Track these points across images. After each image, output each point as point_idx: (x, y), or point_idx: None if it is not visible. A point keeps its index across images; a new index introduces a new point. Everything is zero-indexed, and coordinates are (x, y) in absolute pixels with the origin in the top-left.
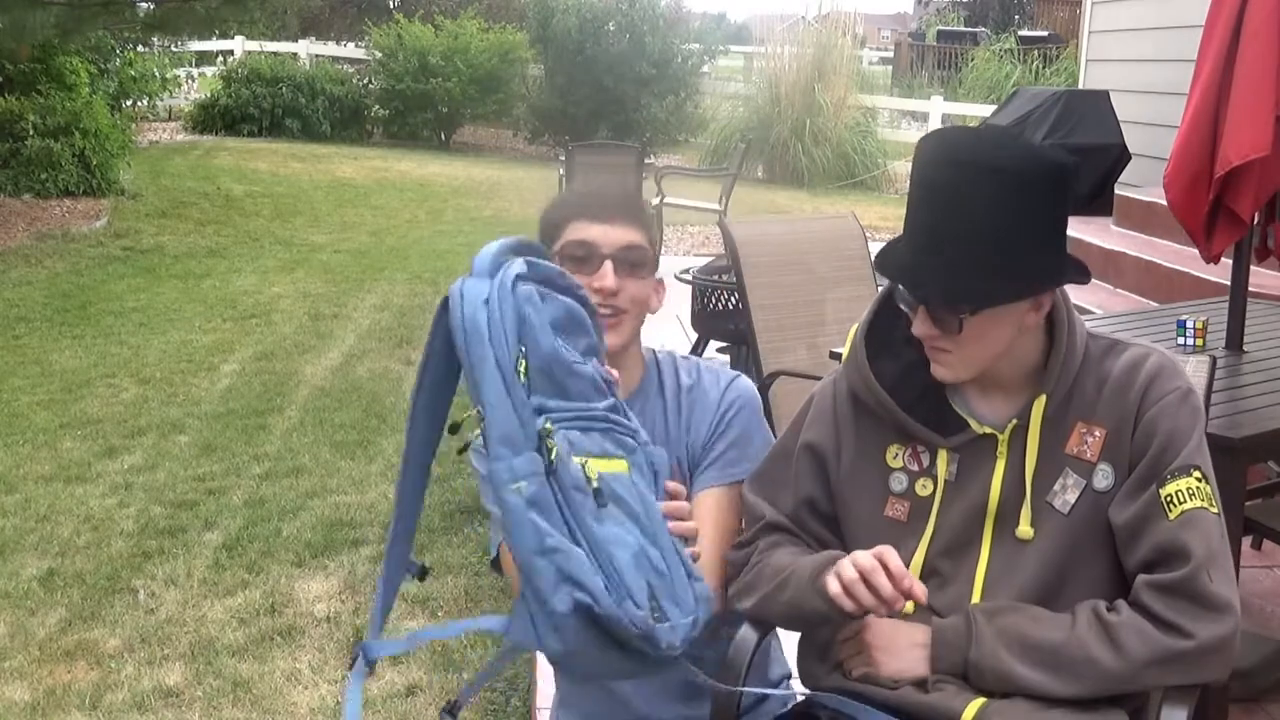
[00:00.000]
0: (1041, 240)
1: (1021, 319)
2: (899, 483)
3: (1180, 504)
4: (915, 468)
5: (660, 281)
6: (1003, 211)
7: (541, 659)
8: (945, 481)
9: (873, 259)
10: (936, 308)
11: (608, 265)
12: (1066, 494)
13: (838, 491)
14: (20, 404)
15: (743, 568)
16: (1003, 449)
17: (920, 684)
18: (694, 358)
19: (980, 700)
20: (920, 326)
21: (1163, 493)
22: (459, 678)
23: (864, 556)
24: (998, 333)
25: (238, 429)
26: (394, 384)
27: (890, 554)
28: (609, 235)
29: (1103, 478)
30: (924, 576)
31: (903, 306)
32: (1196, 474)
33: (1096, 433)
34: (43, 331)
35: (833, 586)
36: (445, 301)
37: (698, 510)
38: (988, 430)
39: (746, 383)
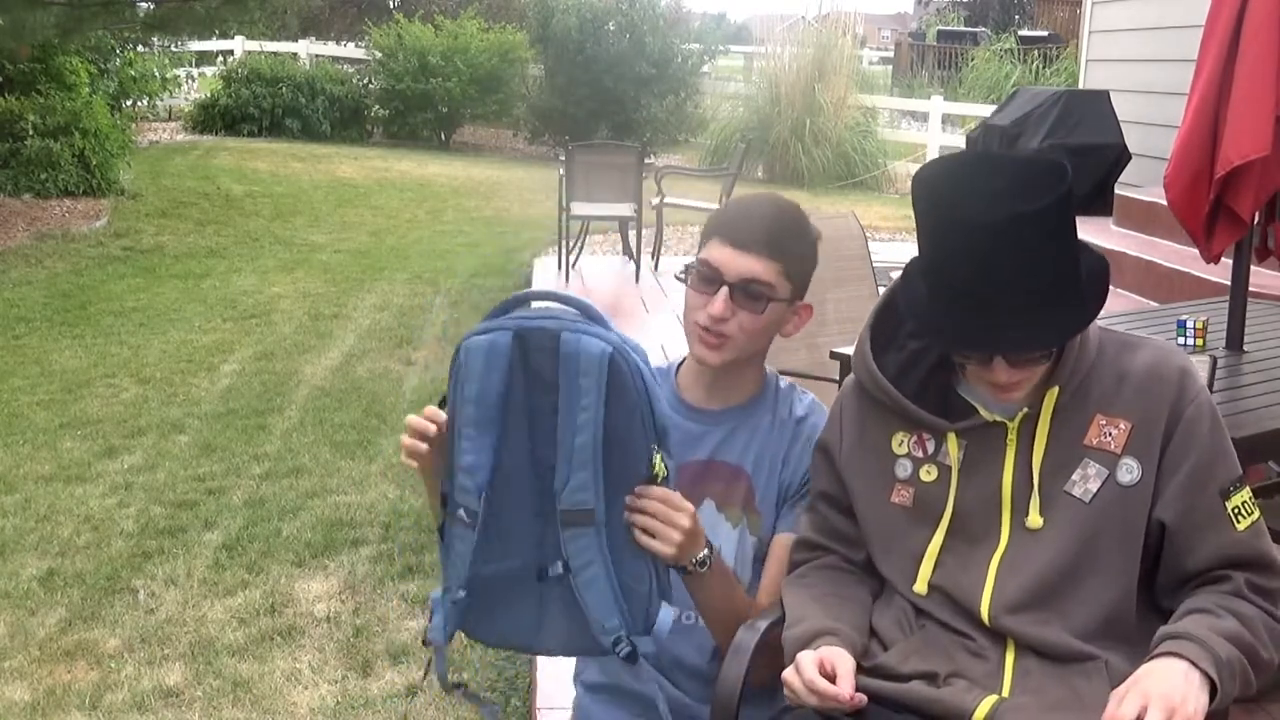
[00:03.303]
0: (1078, 249)
1: None
2: (904, 469)
3: (1249, 515)
4: (920, 454)
5: (807, 307)
6: (1040, 244)
7: (542, 659)
8: (956, 467)
9: (876, 263)
10: (1026, 354)
11: (723, 293)
12: (1088, 483)
13: (845, 480)
14: (20, 404)
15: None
16: (1012, 437)
17: (931, 679)
18: (811, 394)
19: (993, 697)
20: (1005, 375)
21: (1229, 505)
22: (459, 678)
23: (808, 663)
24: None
25: (238, 429)
26: (394, 384)
27: (838, 659)
28: (735, 263)
29: (1127, 472)
30: (939, 563)
31: (959, 360)
32: (1245, 484)
33: (1121, 425)
34: (43, 331)
35: (788, 679)
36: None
37: (775, 549)
38: (996, 418)
39: None
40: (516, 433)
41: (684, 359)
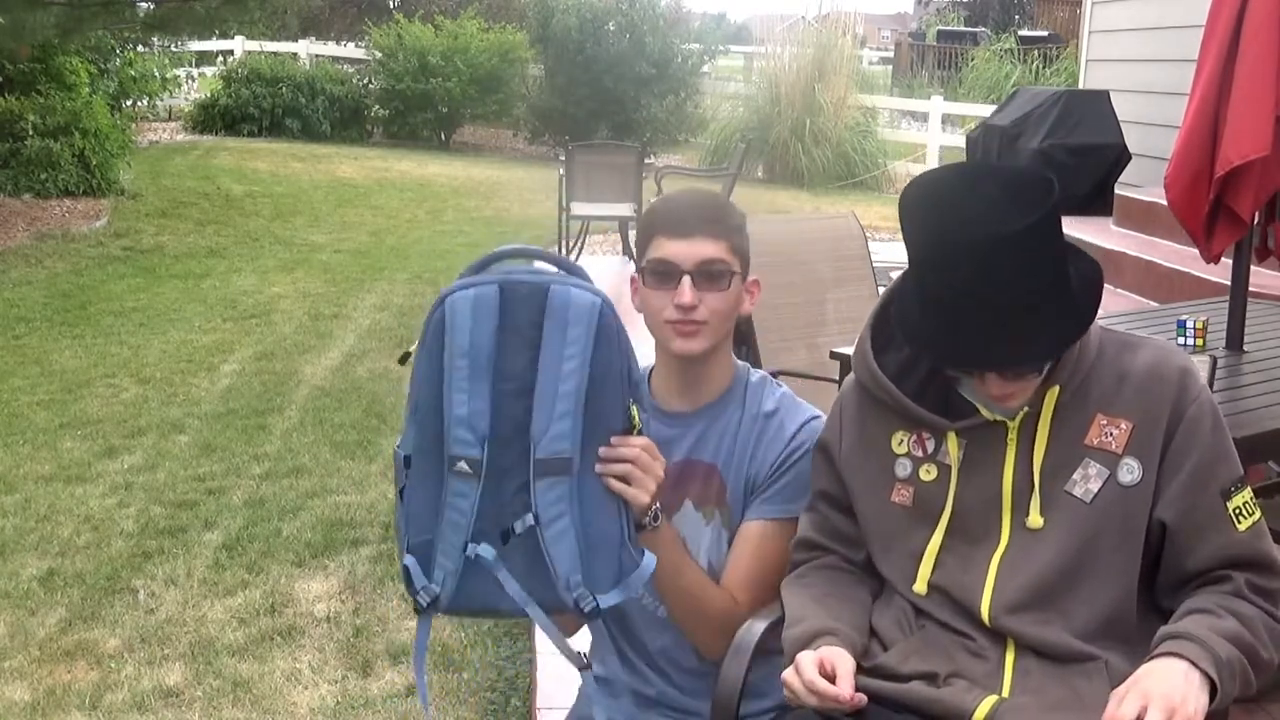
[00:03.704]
0: (1067, 258)
1: None
2: (904, 468)
3: (1250, 516)
4: (920, 453)
5: (754, 282)
6: (1030, 259)
7: (542, 659)
8: (956, 467)
9: (876, 263)
10: (1019, 368)
11: (685, 281)
12: (1089, 483)
13: (845, 479)
14: (20, 404)
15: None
16: (1013, 436)
17: (931, 679)
18: (785, 387)
19: (993, 697)
20: (998, 388)
21: (1230, 505)
22: (459, 678)
23: (808, 663)
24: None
25: (238, 429)
26: (394, 384)
27: (838, 659)
28: (687, 251)
29: (1127, 472)
30: (938, 563)
31: (952, 373)
32: (1246, 485)
33: (1122, 425)
34: (43, 331)
35: (788, 679)
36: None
37: (743, 536)
38: (997, 418)
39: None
40: (496, 386)
41: (652, 367)
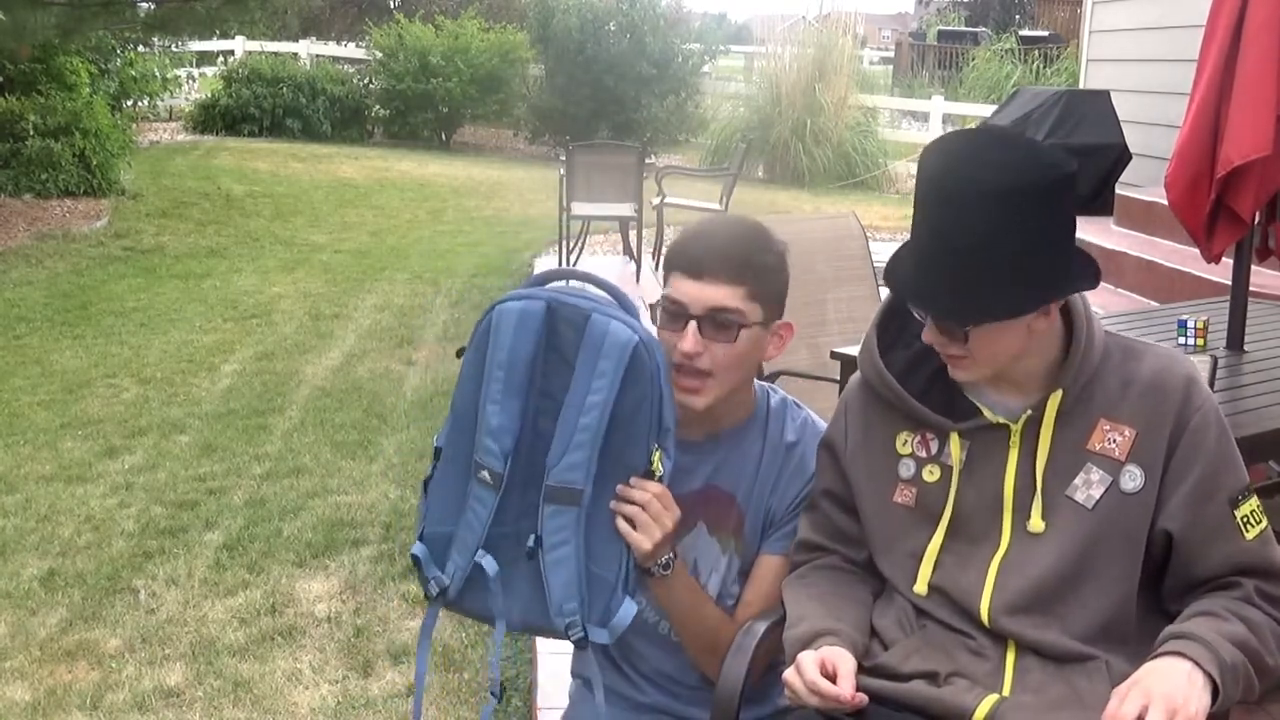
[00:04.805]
0: (1045, 251)
1: (1029, 324)
2: (907, 469)
3: (1257, 524)
4: (923, 454)
5: (787, 325)
6: (1005, 227)
7: (542, 659)
8: (958, 468)
9: (877, 263)
10: (941, 320)
11: (691, 327)
12: (1091, 489)
13: (850, 478)
14: (20, 404)
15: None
16: (1015, 439)
17: (931, 678)
18: (807, 411)
19: (994, 696)
20: (929, 335)
21: (1238, 514)
22: (460, 678)
23: (809, 663)
24: (1008, 339)
25: (238, 429)
26: (394, 384)
27: (839, 659)
28: (697, 294)
29: (1130, 479)
30: (938, 563)
31: (915, 313)
32: (1253, 492)
33: (1126, 432)
34: (43, 331)
35: (790, 679)
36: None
37: (760, 568)
38: (1000, 420)
39: None
40: (532, 402)
41: None
